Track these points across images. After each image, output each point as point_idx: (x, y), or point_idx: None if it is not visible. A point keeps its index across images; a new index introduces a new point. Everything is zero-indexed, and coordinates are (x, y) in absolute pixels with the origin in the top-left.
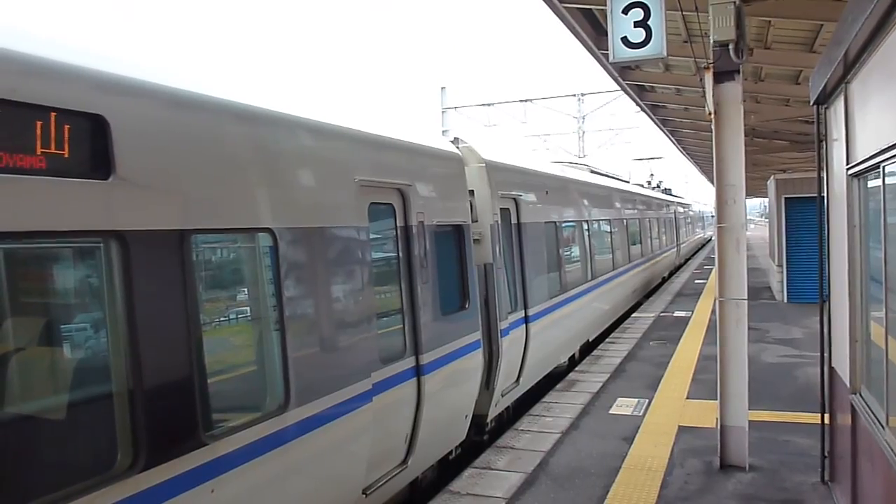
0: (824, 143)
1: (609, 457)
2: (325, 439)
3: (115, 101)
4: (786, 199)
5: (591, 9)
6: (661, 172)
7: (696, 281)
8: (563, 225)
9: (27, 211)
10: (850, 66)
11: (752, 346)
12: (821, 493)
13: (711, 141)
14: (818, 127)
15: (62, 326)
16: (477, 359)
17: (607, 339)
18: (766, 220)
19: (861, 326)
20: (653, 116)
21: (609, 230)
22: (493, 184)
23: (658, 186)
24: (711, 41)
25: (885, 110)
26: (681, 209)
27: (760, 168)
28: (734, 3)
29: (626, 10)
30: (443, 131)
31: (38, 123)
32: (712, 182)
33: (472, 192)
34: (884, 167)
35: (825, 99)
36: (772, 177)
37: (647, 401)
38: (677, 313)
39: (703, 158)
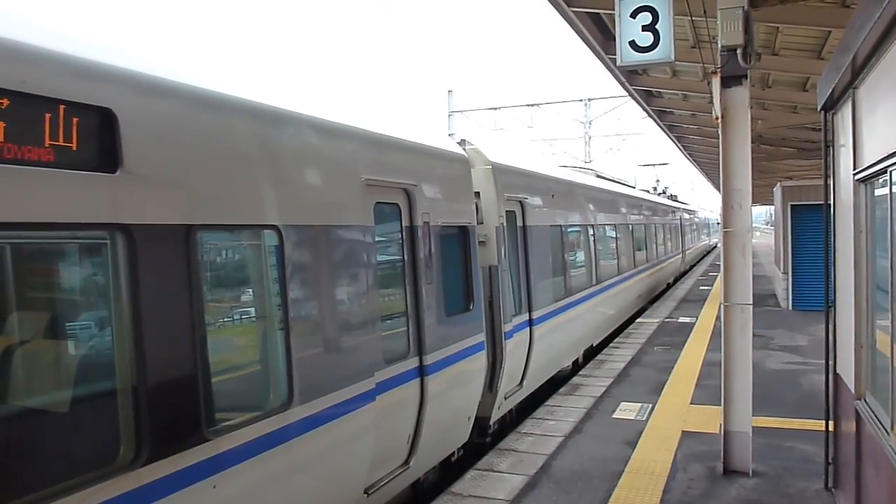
0: (831, 148)
1: (612, 461)
2: (327, 438)
3: (123, 95)
4: (792, 206)
5: (598, 13)
6: (666, 178)
7: (701, 287)
8: (569, 229)
9: (34, 202)
10: (858, 71)
11: (756, 352)
12: (825, 500)
13: (718, 147)
14: (825, 133)
15: (67, 319)
16: (480, 361)
17: (611, 344)
18: (772, 227)
19: (866, 332)
20: (659, 122)
21: (614, 235)
22: (499, 186)
23: (664, 192)
24: (719, 46)
25: (893, 115)
26: (686, 215)
27: (767, 175)
28: (742, 7)
29: (634, 14)
30: (449, 134)
31: (47, 116)
32: (718, 188)
33: (477, 194)
34: (891, 172)
35: (833, 105)
36: (778, 184)
37: (650, 405)
38: (682, 319)
39: (710, 165)
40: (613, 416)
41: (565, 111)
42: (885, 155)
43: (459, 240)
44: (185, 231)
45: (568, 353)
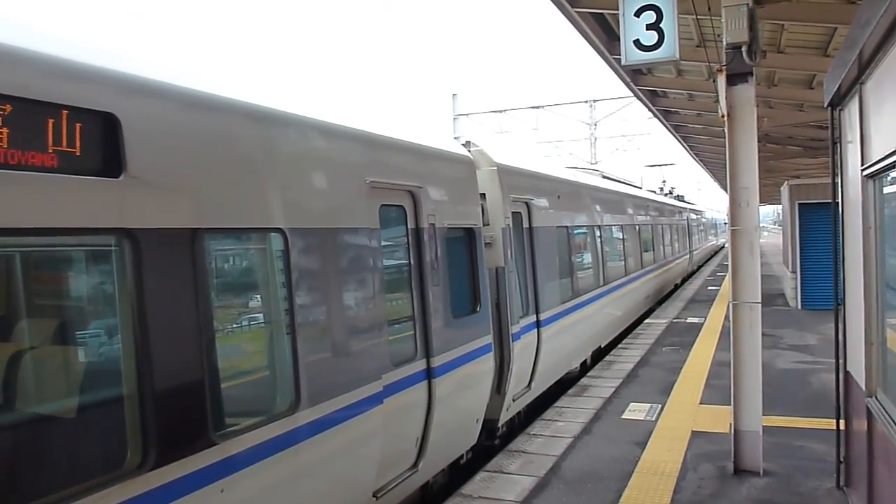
0: (838, 145)
1: (622, 461)
2: (335, 441)
3: (126, 100)
4: (799, 204)
5: (602, 13)
6: (673, 179)
7: (709, 288)
8: (576, 230)
9: (39, 208)
10: (865, 66)
11: (765, 352)
12: (836, 499)
13: (724, 145)
14: (832, 130)
15: (72, 324)
16: (488, 363)
17: (620, 345)
18: (780, 227)
19: (877, 328)
20: (665, 122)
21: (621, 236)
22: (505, 187)
23: (670, 193)
24: (724, 43)
25: None
26: (693, 216)
27: (774, 174)
28: (747, 4)
29: (638, 13)
30: (454, 138)
31: (50, 121)
32: (725, 188)
33: (483, 195)
34: None
35: (839, 101)
36: (785, 182)
37: (659, 406)
38: (690, 319)
39: (716, 164)
40: (623, 416)
41: (570, 113)
42: (894, 149)
43: (465, 241)
44: (189, 235)
45: (576, 355)
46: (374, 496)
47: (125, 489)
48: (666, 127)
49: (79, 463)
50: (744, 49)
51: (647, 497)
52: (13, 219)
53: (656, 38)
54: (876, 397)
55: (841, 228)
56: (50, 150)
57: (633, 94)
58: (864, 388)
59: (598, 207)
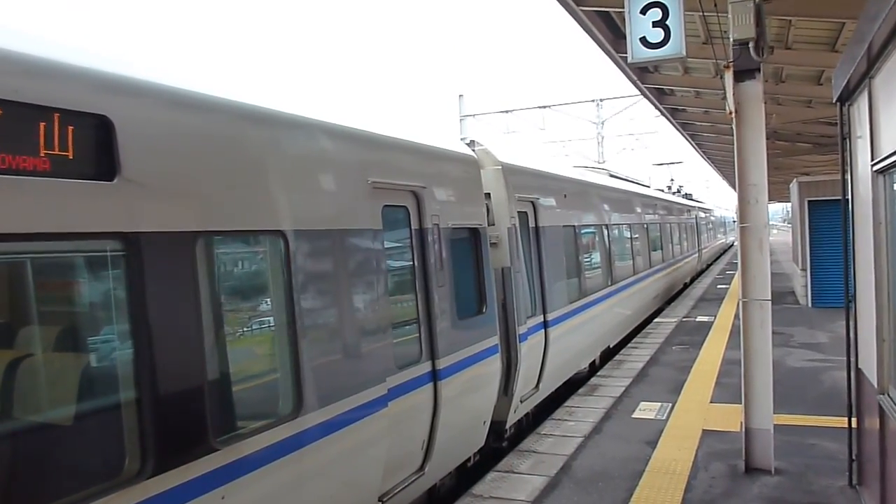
0: (848, 141)
1: (632, 460)
2: (339, 445)
3: (119, 102)
4: (809, 202)
5: (608, 11)
6: (681, 177)
7: (719, 286)
8: (583, 229)
9: (31, 213)
10: (874, 61)
11: (776, 350)
12: (849, 497)
13: (732, 143)
14: (841, 125)
15: (68, 330)
16: (495, 364)
17: (629, 345)
18: (789, 225)
19: (889, 325)
20: (672, 120)
21: (629, 235)
22: (510, 187)
23: (678, 191)
24: (731, 39)
25: None
26: (702, 214)
27: (783, 171)
28: (754, 0)
29: (644, 11)
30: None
31: (42, 124)
32: (733, 185)
33: (488, 195)
34: None
35: (848, 96)
36: (795, 180)
37: (670, 405)
38: (700, 318)
39: (724, 162)
40: (633, 415)
41: (577, 112)
42: None
43: (470, 242)
44: (186, 238)
45: (584, 355)
46: (380, 500)
47: (123, 497)
48: (673, 125)
49: (76, 471)
50: (751, 45)
51: (658, 496)
52: (5, 224)
53: (662, 36)
54: (888, 394)
55: (851, 225)
56: (42, 154)
57: (640, 93)
58: (876, 385)
59: (605, 206)
